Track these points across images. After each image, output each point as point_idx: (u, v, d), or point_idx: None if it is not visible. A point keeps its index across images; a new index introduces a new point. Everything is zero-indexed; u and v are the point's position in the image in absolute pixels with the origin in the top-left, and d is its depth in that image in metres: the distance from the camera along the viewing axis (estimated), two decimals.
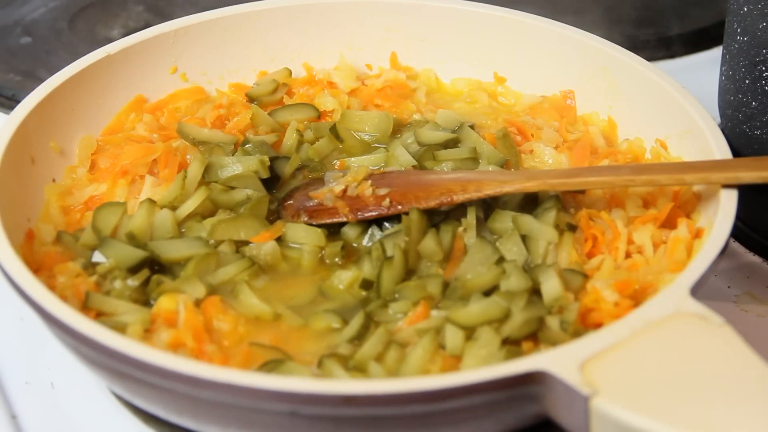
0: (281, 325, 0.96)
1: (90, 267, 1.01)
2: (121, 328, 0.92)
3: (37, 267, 1.00)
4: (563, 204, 1.06)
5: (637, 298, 0.94)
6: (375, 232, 1.05)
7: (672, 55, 1.54)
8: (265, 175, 1.10)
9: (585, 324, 0.93)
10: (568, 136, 1.18)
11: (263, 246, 1.03)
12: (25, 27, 1.60)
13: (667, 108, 1.12)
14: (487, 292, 0.96)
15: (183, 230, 1.05)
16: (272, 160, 1.12)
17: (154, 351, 0.83)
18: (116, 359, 0.84)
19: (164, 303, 0.95)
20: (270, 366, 0.90)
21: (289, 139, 1.17)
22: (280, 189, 1.13)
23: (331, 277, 1.01)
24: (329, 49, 1.29)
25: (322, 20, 1.29)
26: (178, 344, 0.92)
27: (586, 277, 0.98)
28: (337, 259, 1.03)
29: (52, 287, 0.96)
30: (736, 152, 1.11)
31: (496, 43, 1.26)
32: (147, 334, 0.93)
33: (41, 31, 1.60)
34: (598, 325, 0.92)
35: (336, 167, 1.14)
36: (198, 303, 0.96)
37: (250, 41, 1.28)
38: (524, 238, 1.01)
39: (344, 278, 1.01)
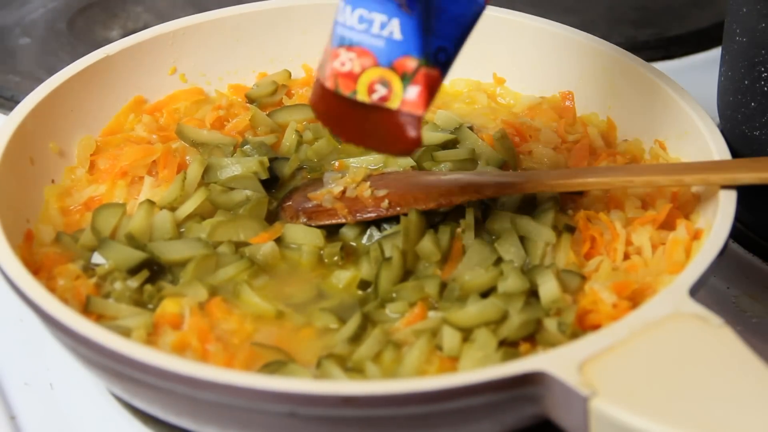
0: (285, 323, 0.96)
1: (90, 269, 1.01)
2: (125, 333, 0.92)
3: (36, 268, 1.00)
4: (561, 205, 1.06)
5: (635, 299, 0.94)
6: (373, 233, 1.05)
7: (671, 56, 1.54)
8: (265, 176, 1.10)
9: (583, 326, 0.93)
10: (567, 137, 1.17)
11: (262, 246, 1.03)
12: (24, 28, 1.60)
13: (666, 109, 1.12)
14: (485, 294, 0.96)
15: (182, 231, 1.06)
16: (271, 160, 1.12)
17: (154, 352, 0.83)
18: (116, 361, 0.84)
19: (168, 307, 0.95)
20: (271, 368, 0.90)
21: (288, 139, 1.18)
22: (279, 189, 1.13)
23: (330, 277, 1.01)
24: None
25: (322, 21, 1.29)
26: (183, 346, 0.92)
27: (584, 278, 0.98)
28: (336, 259, 1.03)
29: (52, 289, 0.95)
30: (735, 153, 1.11)
31: (495, 44, 1.26)
32: (151, 337, 0.93)
33: (40, 31, 1.59)
34: (596, 327, 0.92)
35: (335, 168, 1.14)
36: (202, 305, 0.96)
37: (250, 42, 1.28)
38: (522, 240, 1.01)
39: (343, 278, 1.01)
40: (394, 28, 0.85)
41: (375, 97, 0.86)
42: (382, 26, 0.85)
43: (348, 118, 0.90)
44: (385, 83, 0.85)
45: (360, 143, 0.95)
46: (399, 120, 0.87)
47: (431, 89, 0.85)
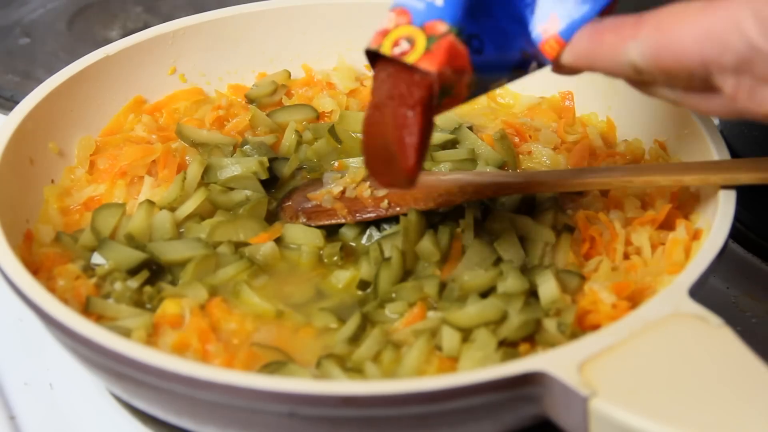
0: (285, 323, 0.96)
1: (89, 269, 1.01)
2: (125, 333, 0.92)
3: (36, 268, 1.00)
4: (561, 205, 1.06)
5: (634, 299, 0.94)
6: (373, 233, 1.05)
7: None
8: (264, 176, 1.10)
9: (582, 326, 0.93)
10: (567, 137, 1.17)
11: (262, 246, 1.03)
12: (23, 28, 1.60)
13: (666, 109, 1.12)
14: (485, 294, 0.96)
15: (182, 231, 1.06)
16: (271, 161, 1.12)
17: (154, 352, 0.83)
18: (116, 361, 0.84)
19: (168, 307, 0.95)
20: (271, 368, 0.90)
21: (288, 140, 1.18)
22: (279, 189, 1.13)
23: (330, 277, 1.01)
24: (328, 50, 1.29)
25: (321, 21, 1.29)
26: (184, 347, 0.92)
27: (583, 278, 0.98)
28: (335, 259, 1.03)
29: (52, 289, 0.95)
30: (735, 153, 1.11)
31: None
32: (151, 338, 0.93)
33: (40, 31, 1.60)
34: (595, 327, 0.92)
35: (335, 168, 1.14)
36: (202, 306, 0.96)
37: (249, 42, 1.28)
38: (522, 240, 1.01)
39: (342, 278, 1.01)
40: None
41: (396, 50, 0.85)
42: None
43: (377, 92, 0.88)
44: (411, 40, 0.84)
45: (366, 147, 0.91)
46: (407, 89, 0.85)
47: (452, 57, 0.83)
